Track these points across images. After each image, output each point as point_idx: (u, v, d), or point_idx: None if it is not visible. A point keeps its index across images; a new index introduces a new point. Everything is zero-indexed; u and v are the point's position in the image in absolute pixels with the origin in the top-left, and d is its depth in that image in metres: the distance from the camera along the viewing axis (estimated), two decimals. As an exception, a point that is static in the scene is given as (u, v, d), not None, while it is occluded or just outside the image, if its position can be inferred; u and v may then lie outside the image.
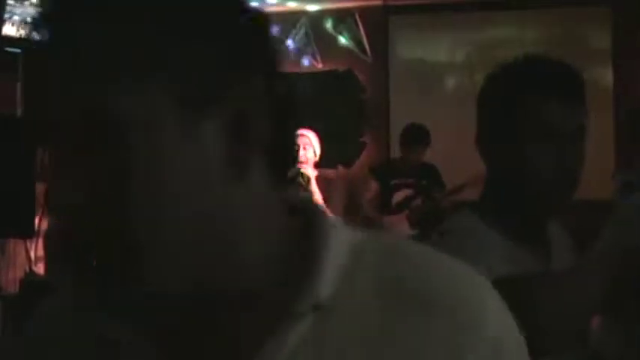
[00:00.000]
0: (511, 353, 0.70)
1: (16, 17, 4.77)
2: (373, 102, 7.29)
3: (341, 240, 0.71)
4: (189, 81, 0.63)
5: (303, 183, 4.88)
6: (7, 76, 5.15)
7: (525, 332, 1.21)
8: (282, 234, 0.70)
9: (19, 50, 4.98)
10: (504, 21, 7.09)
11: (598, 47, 6.82)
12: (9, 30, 4.73)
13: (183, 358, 0.70)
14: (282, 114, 0.71)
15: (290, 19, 7.37)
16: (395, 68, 7.30)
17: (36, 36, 0.65)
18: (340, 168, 7.08)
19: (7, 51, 4.91)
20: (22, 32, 4.84)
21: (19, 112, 5.21)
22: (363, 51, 7.32)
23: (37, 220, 5.16)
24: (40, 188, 5.17)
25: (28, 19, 4.85)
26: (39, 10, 0.67)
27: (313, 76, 7.37)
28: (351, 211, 5.54)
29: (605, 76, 6.68)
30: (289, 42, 7.39)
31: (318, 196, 4.87)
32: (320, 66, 7.40)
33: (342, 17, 7.31)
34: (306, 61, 7.41)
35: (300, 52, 7.40)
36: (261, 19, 0.72)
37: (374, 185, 5.81)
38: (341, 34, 7.33)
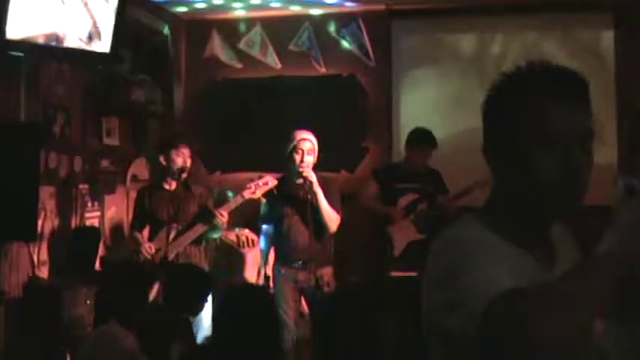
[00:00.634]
0: None
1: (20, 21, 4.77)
2: (376, 106, 7.29)
3: None
4: None
5: (307, 186, 4.87)
6: (11, 81, 5.16)
7: (531, 340, 1.20)
8: None
9: (22, 54, 4.98)
10: (507, 26, 7.08)
11: (601, 52, 6.80)
12: (12, 33, 4.71)
13: None
14: None
15: (293, 24, 7.38)
16: (398, 73, 7.29)
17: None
18: (343, 172, 7.07)
19: (10, 55, 4.90)
20: (25, 35, 4.83)
21: (22, 116, 5.21)
22: (366, 55, 7.31)
23: (39, 224, 5.16)
24: (43, 192, 5.18)
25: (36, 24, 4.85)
26: None
27: (316, 80, 7.37)
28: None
29: (609, 80, 6.66)
30: (292, 46, 7.39)
31: (320, 197, 4.86)
32: (323, 70, 7.39)
33: (345, 22, 7.31)
34: (309, 66, 7.41)
35: (303, 57, 7.40)
36: None
37: (374, 185, 5.81)
38: (344, 38, 7.33)
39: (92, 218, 6.16)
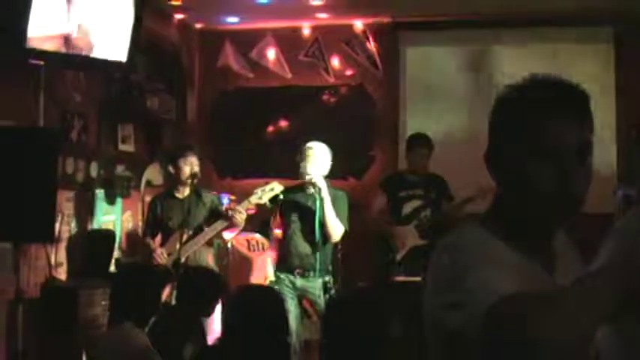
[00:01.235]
0: None
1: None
2: (383, 115, 7.30)
3: None
4: None
5: (316, 192, 4.88)
6: (31, 88, 5.19)
7: (532, 346, 1.21)
8: None
9: (41, 62, 5.01)
10: (508, 38, 7.09)
11: (601, 65, 6.80)
12: (32, 43, 4.75)
13: None
14: None
15: (303, 35, 7.41)
16: (405, 82, 7.31)
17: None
18: (351, 179, 7.08)
19: (30, 63, 4.94)
20: (44, 44, 4.86)
21: (41, 122, 5.24)
22: (374, 66, 7.33)
23: (57, 227, 5.18)
24: (60, 196, 5.20)
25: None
26: None
27: (325, 89, 7.39)
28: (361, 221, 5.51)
29: (609, 94, 6.66)
30: (303, 57, 7.42)
31: (328, 204, 4.86)
32: (332, 80, 7.41)
33: (353, 33, 7.33)
34: (318, 75, 7.43)
35: (313, 67, 7.42)
36: None
37: (383, 198, 5.81)
38: (353, 49, 7.35)
39: (107, 222, 6.18)
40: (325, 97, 7.42)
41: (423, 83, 7.27)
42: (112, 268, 5.84)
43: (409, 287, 5.18)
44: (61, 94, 5.53)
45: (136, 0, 5.41)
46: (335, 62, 7.41)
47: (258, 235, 6.46)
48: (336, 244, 5.03)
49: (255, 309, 3.02)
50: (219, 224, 5.16)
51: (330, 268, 5.04)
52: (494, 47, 7.15)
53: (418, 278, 5.07)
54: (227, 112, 7.60)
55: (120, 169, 6.36)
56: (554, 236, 1.56)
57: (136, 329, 3.41)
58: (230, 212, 5.09)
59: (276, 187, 5.06)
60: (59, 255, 5.51)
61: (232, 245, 6.11)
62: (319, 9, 6.89)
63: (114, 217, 6.28)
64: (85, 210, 5.87)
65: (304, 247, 4.93)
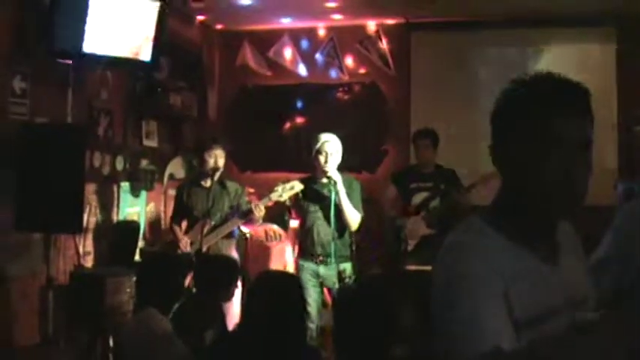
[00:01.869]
0: None
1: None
2: (395, 112, 7.29)
3: None
4: None
5: (331, 185, 4.88)
6: (60, 86, 5.22)
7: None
8: None
9: (70, 62, 5.04)
10: (514, 38, 7.05)
11: (603, 65, 6.76)
12: (61, 43, 4.78)
13: None
14: None
15: (319, 35, 7.41)
16: (416, 81, 7.29)
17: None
18: (364, 173, 7.08)
19: (59, 62, 4.97)
20: (72, 45, 4.89)
21: (69, 119, 5.27)
22: (387, 65, 7.32)
23: (85, 218, 5.22)
24: (88, 189, 5.24)
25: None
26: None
27: (339, 86, 7.39)
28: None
29: (610, 92, 6.62)
30: (318, 56, 7.42)
31: (343, 196, 4.87)
32: (346, 78, 7.41)
33: (367, 33, 7.33)
34: (333, 74, 7.43)
35: (328, 65, 7.42)
36: None
37: (393, 190, 5.81)
38: (366, 49, 7.34)
39: (132, 213, 6.22)
40: (339, 94, 7.42)
41: (434, 81, 7.26)
42: (137, 257, 5.87)
43: (420, 276, 5.18)
44: (88, 92, 5.56)
45: (160, 3, 5.43)
46: (349, 61, 7.40)
47: (275, 226, 6.48)
48: (350, 234, 5.03)
49: (276, 295, 3.01)
50: (232, 222, 5.19)
51: (348, 255, 5.05)
52: (503, 47, 7.12)
53: (429, 267, 5.06)
54: (246, 109, 7.62)
55: (144, 163, 6.39)
56: (556, 228, 1.56)
57: (159, 315, 3.43)
58: (251, 206, 5.11)
59: (296, 186, 5.06)
60: (87, 244, 5.55)
61: (251, 235, 6.13)
62: (334, 10, 6.89)
63: (138, 209, 6.32)
64: (111, 202, 5.91)
65: (324, 235, 4.94)
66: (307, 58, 7.45)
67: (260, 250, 6.35)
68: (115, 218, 5.95)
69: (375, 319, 2.56)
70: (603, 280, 2.04)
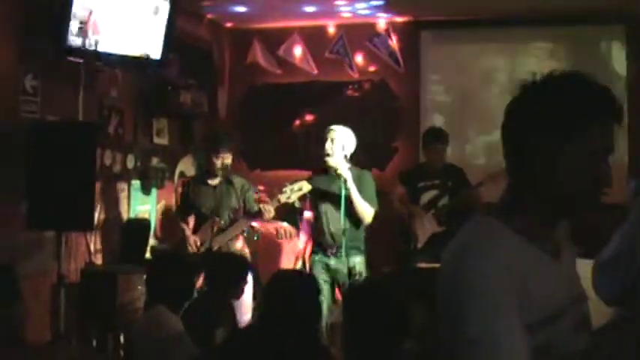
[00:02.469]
0: None
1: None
2: (405, 109, 7.28)
3: None
4: None
5: (342, 182, 4.88)
6: (71, 84, 5.23)
7: None
8: None
9: (81, 60, 5.05)
10: (524, 36, 7.01)
11: (613, 63, 6.72)
12: (72, 41, 4.79)
13: None
14: None
15: (329, 33, 7.39)
16: (425, 79, 7.27)
17: None
18: (374, 170, 7.06)
19: (70, 60, 4.97)
20: (83, 43, 4.90)
21: (80, 117, 5.28)
22: (396, 62, 7.29)
23: (95, 216, 5.23)
24: (98, 186, 5.25)
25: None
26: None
27: (349, 84, 7.38)
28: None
29: (620, 90, 6.57)
30: (328, 53, 7.40)
31: (355, 192, 4.86)
32: (356, 76, 7.39)
33: (376, 31, 7.30)
34: (343, 72, 7.41)
35: (338, 63, 7.40)
36: None
37: (401, 188, 5.81)
38: (376, 46, 7.32)
39: (143, 211, 6.22)
40: (349, 91, 7.40)
41: (443, 80, 7.24)
42: (147, 255, 5.88)
43: (430, 273, 5.17)
44: (99, 91, 5.57)
45: (170, 2, 5.43)
46: (359, 59, 7.38)
47: (286, 224, 6.48)
48: (364, 227, 5.03)
49: (292, 296, 2.98)
50: (242, 223, 5.21)
51: (362, 249, 5.05)
52: (513, 45, 7.08)
53: (438, 265, 5.05)
54: (256, 107, 7.61)
55: (155, 161, 6.40)
56: (560, 225, 1.56)
57: (170, 313, 3.43)
58: (260, 208, 5.12)
59: (304, 187, 5.06)
60: (97, 242, 5.56)
61: (262, 233, 6.13)
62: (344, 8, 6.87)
63: (149, 207, 6.33)
64: (121, 200, 5.92)
65: (334, 226, 4.93)
66: (317, 55, 7.44)
67: (271, 246, 6.35)
68: (125, 216, 5.95)
69: (385, 317, 2.55)
70: (614, 277, 2.02)
